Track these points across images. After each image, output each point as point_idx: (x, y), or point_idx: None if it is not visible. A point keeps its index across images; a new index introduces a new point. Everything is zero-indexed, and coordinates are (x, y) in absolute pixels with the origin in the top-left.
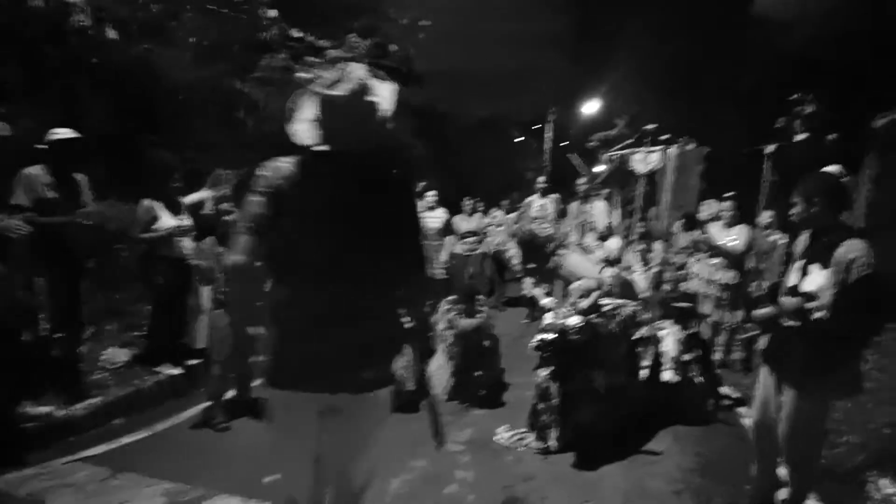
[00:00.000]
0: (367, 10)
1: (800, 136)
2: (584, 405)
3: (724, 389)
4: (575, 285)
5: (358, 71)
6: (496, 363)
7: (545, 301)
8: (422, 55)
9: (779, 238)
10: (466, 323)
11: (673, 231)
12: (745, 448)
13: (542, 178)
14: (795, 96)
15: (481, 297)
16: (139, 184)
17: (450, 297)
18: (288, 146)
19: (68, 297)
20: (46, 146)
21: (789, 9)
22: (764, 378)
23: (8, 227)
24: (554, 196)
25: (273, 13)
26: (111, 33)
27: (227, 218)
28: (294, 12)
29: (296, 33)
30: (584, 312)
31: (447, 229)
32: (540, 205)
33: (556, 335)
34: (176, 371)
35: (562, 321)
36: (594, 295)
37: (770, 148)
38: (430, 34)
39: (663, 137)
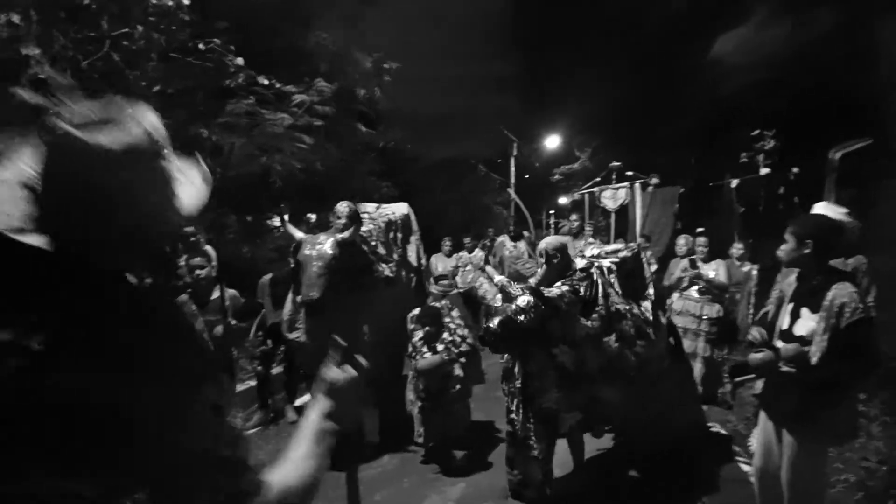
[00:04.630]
0: (331, 54)
1: (763, 171)
2: (550, 385)
3: (713, 427)
4: (542, 244)
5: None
6: (464, 412)
7: (498, 279)
8: (387, 97)
9: (751, 269)
10: (426, 362)
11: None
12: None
13: (512, 222)
14: (757, 132)
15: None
16: None
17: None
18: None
19: None
20: None
21: (739, 54)
22: (763, 425)
23: None
24: (525, 237)
25: (240, 61)
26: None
27: (199, 273)
28: (258, 58)
29: (263, 79)
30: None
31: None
32: (513, 246)
33: (502, 322)
34: None
35: (514, 305)
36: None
37: (734, 182)
38: (395, 76)
39: (629, 174)
